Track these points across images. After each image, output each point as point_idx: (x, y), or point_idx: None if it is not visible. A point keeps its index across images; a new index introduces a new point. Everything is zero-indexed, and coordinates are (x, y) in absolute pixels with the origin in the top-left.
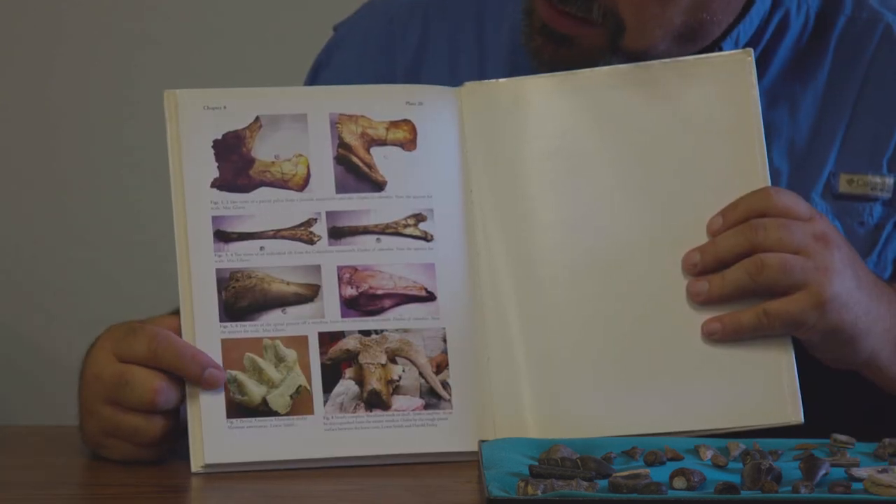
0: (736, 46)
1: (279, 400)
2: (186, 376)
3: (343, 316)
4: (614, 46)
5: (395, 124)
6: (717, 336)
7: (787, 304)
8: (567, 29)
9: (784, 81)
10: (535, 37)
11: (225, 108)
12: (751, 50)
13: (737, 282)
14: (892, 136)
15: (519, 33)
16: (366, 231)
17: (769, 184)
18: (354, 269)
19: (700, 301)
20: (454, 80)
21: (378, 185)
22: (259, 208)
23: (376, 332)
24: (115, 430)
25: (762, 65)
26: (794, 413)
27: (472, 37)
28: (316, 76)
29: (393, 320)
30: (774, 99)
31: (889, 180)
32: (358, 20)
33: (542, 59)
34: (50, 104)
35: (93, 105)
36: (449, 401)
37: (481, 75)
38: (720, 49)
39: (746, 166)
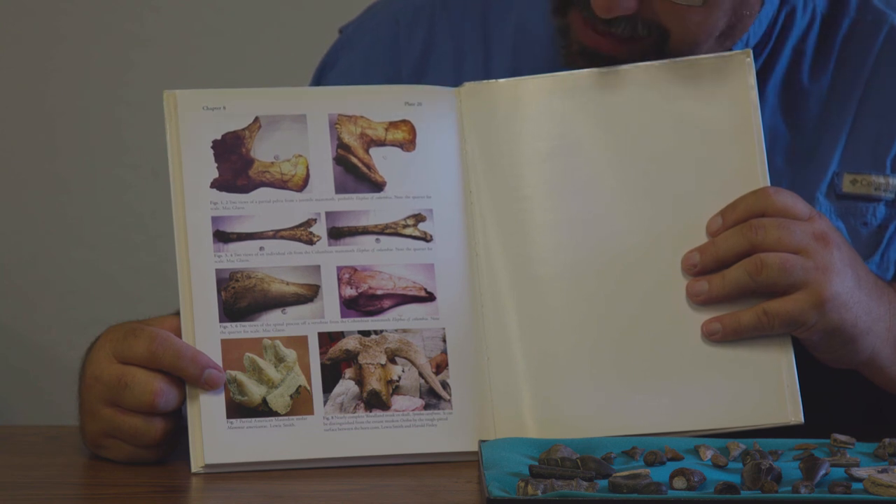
0: (745, 47)
1: (279, 400)
2: (186, 377)
3: (343, 316)
4: (659, 54)
5: (394, 125)
6: (718, 336)
7: (787, 303)
8: (611, 50)
9: (789, 81)
10: (576, 59)
11: (224, 108)
12: (750, 51)
13: (737, 281)
14: (895, 136)
15: (524, 30)
16: (365, 231)
17: (768, 183)
18: (354, 269)
19: (700, 301)
20: (459, 79)
21: (377, 186)
22: (258, 209)
23: (376, 332)
24: (116, 431)
25: (769, 65)
26: (794, 413)
27: (477, 36)
28: (322, 77)
29: (392, 320)
30: (779, 99)
31: (892, 180)
32: (364, 21)
33: None
34: (49, 104)
35: (92, 105)
36: (449, 401)
37: (486, 74)
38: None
39: (745, 166)
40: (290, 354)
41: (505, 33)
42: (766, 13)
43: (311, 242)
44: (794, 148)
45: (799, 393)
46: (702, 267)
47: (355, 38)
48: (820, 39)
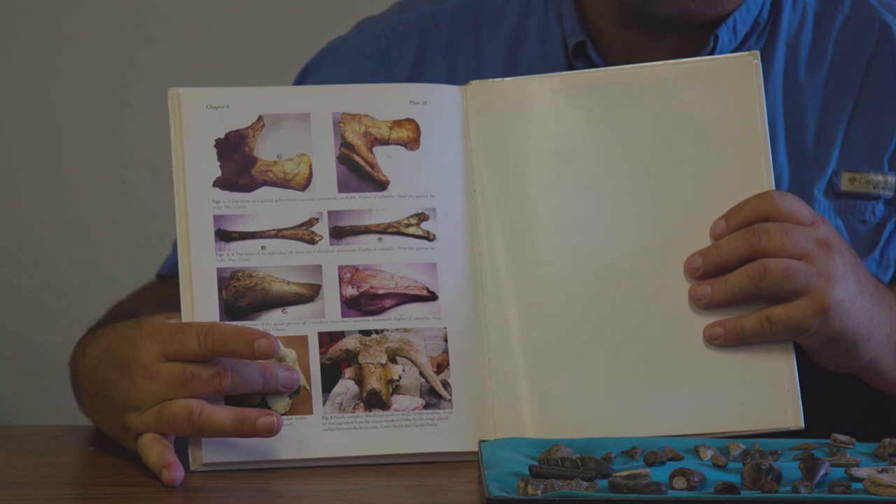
0: (733, 34)
1: (278, 400)
2: (241, 356)
3: (343, 316)
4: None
5: (398, 123)
6: (720, 341)
7: (790, 310)
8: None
9: (786, 79)
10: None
11: (228, 107)
12: (757, 52)
13: (739, 287)
14: (892, 134)
15: (515, 48)
16: (367, 231)
17: (773, 187)
18: (355, 268)
19: (702, 305)
20: None
21: (380, 185)
22: (261, 208)
23: (376, 331)
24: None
25: (764, 62)
26: (794, 418)
27: (470, 53)
28: (303, 81)
29: (394, 320)
30: (776, 98)
31: (890, 178)
32: (353, 35)
33: None
34: (49, 104)
35: (92, 105)
36: (449, 400)
37: None
38: (716, 36)
39: (750, 169)
40: (290, 354)
41: (496, 50)
42: (754, 1)
43: (312, 242)
44: (792, 146)
45: (800, 398)
46: (704, 271)
47: (342, 50)
48: (814, 37)
